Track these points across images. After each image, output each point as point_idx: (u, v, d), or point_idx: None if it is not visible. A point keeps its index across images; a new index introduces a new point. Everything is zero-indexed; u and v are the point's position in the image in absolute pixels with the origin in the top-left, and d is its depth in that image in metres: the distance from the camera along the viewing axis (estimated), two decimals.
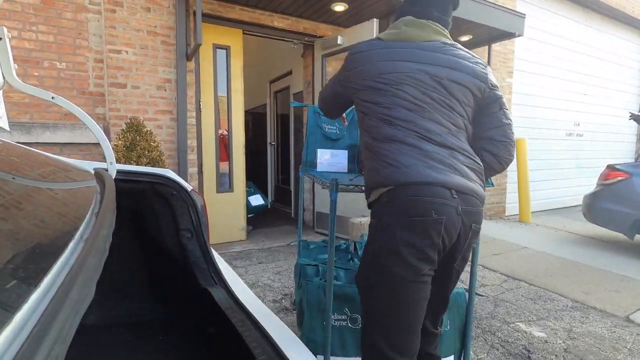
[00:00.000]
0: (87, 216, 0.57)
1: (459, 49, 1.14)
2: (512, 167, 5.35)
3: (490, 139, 1.12)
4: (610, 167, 4.06)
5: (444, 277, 1.13)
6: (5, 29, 0.95)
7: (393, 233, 0.99)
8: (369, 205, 1.13)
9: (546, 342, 2.07)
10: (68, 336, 0.27)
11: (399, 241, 0.99)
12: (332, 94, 1.31)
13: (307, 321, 1.57)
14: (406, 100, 1.05)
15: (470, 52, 1.17)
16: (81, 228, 0.50)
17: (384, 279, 1.02)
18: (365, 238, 2.13)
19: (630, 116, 4.17)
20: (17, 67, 1.00)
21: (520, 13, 4.48)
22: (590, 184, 5.30)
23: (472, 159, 1.07)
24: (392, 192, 1.01)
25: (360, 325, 1.52)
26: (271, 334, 0.76)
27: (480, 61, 1.15)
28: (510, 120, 1.16)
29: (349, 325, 1.54)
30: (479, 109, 1.15)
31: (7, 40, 0.97)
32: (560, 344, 2.06)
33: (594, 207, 4.09)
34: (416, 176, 0.99)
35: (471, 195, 1.03)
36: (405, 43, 1.11)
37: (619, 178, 3.89)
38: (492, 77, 1.15)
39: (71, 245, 0.43)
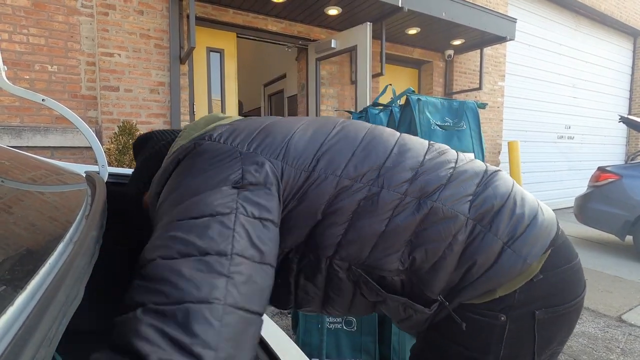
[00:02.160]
0: (77, 219, 0.56)
1: None
2: (505, 170, 5.39)
3: None
4: (601, 169, 4.11)
5: None
6: None
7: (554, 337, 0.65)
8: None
9: None
10: (55, 338, 0.26)
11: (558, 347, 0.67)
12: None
13: (302, 324, 1.56)
14: None
15: None
16: (70, 230, 0.49)
17: None
18: None
19: (620, 119, 4.24)
20: (6, 69, 0.99)
21: (512, 17, 4.54)
22: (581, 186, 5.37)
23: None
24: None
25: (354, 327, 1.52)
26: (266, 338, 0.75)
27: None
28: None
29: (344, 328, 1.53)
30: None
31: None
32: None
33: (586, 208, 4.14)
34: None
35: None
36: None
37: (610, 180, 3.95)
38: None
39: (60, 247, 0.42)
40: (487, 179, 0.67)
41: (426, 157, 0.67)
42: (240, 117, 0.74)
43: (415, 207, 0.61)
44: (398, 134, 0.72)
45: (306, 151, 0.62)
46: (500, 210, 0.62)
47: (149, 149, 0.78)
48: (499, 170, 0.72)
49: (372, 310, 0.73)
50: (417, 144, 0.70)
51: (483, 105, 1.89)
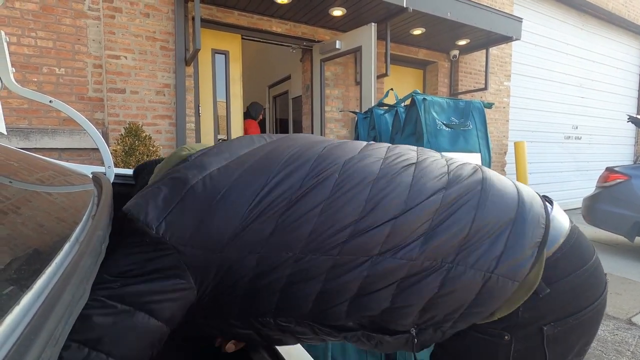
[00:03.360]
0: (84, 219, 0.56)
1: None
2: (512, 170, 5.36)
3: None
4: (610, 170, 4.06)
5: None
6: (3, 33, 0.95)
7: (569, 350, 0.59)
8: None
9: None
10: (61, 338, 0.26)
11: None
12: None
13: None
14: None
15: None
16: (77, 230, 0.49)
17: None
18: None
19: (628, 119, 4.18)
20: (14, 71, 1.00)
21: (517, 17, 4.51)
22: (589, 187, 5.31)
23: None
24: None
25: None
26: None
27: None
28: None
29: None
30: None
31: (5, 43, 0.96)
32: None
33: (594, 209, 4.09)
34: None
35: None
36: None
37: (618, 180, 3.90)
38: None
39: (66, 247, 0.42)
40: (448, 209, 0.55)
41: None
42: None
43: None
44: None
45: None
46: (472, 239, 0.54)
47: None
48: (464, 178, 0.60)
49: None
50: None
51: (489, 105, 1.87)
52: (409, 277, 0.53)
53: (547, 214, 0.59)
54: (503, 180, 0.62)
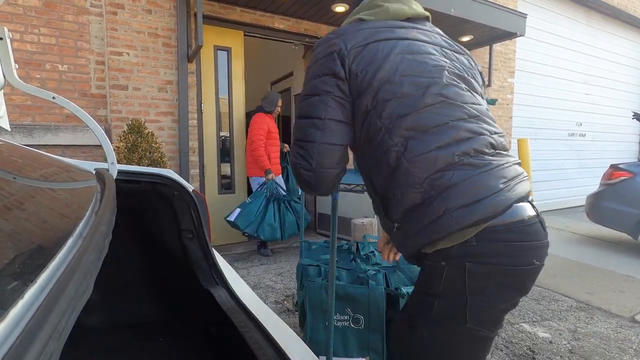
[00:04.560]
0: (87, 214, 0.56)
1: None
2: None
3: None
4: (614, 167, 4.04)
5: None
6: (5, 29, 0.95)
7: (485, 287, 0.78)
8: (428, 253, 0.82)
9: (551, 342, 2.06)
10: (64, 332, 0.26)
11: (497, 300, 0.80)
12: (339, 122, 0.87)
13: (309, 322, 1.56)
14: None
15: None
16: (80, 226, 0.49)
17: (456, 339, 0.82)
18: (370, 240, 2.12)
19: (633, 116, 4.15)
20: (17, 67, 1.00)
21: (521, 13, 4.47)
22: (593, 184, 5.28)
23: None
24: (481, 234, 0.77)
25: (362, 325, 1.51)
26: (273, 335, 0.75)
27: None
28: None
29: (352, 325, 1.53)
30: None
31: (8, 40, 0.97)
32: (565, 344, 2.04)
33: (598, 207, 4.07)
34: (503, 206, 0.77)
35: None
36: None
37: (623, 177, 3.87)
38: None
39: (69, 242, 0.42)
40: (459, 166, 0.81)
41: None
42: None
43: (396, 158, 0.82)
44: None
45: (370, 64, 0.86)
46: (455, 186, 0.76)
47: None
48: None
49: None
50: None
51: (493, 102, 1.86)
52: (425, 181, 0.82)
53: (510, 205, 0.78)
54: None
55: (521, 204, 0.79)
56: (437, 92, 0.81)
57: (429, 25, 0.97)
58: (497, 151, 0.83)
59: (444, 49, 0.91)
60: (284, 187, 3.74)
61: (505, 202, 0.75)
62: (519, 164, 0.87)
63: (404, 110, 0.80)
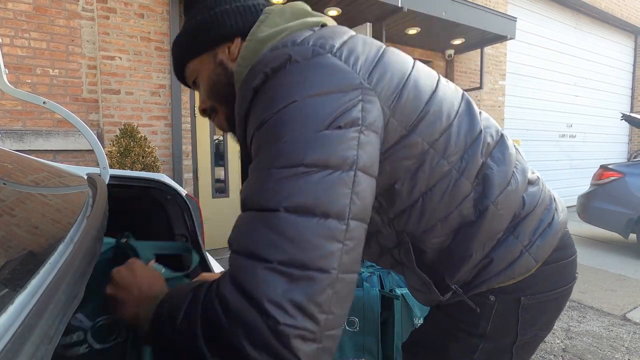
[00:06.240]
0: (78, 219, 0.56)
1: None
2: None
3: None
4: (604, 167, 4.10)
5: None
6: None
7: (537, 318, 0.67)
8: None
9: (544, 342, 2.07)
10: (55, 336, 0.26)
11: (544, 329, 0.70)
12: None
13: None
14: None
15: None
16: (71, 231, 0.49)
17: None
18: None
19: (622, 117, 4.22)
20: (7, 72, 0.99)
21: (512, 16, 4.54)
22: (584, 185, 5.35)
23: None
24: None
25: (357, 327, 1.51)
26: None
27: None
28: None
29: (347, 328, 1.53)
30: None
31: None
32: (558, 343, 2.06)
33: (589, 207, 4.12)
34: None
35: None
36: None
37: (612, 178, 3.93)
38: None
39: (60, 247, 0.42)
40: (528, 185, 0.67)
41: (495, 147, 0.64)
42: (334, 25, 0.64)
43: (475, 205, 0.60)
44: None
45: (412, 106, 0.55)
46: (527, 216, 0.64)
47: (204, 9, 0.66)
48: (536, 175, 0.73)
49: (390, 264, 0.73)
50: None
51: None
52: (494, 236, 0.63)
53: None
54: None
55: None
56: None
57: None
58: None
59: None
60: None
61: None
62: None
63: None
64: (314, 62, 0.50)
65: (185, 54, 0.69)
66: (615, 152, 7.87)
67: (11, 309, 0.28)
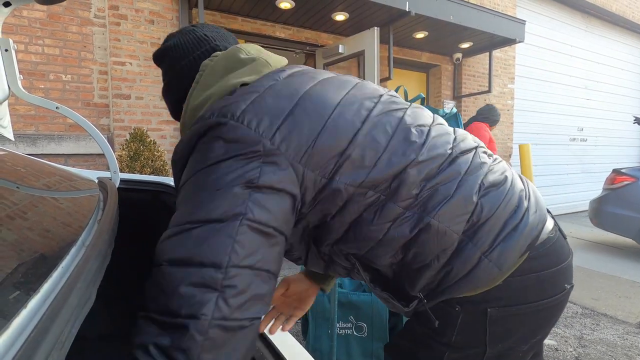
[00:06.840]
0: (89, 223, 0.57)
1: None
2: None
3: None
4: (616, 172, 4.02)
5: None
6: (11, 41, 0.96)
7: (509, 332, 0.65)
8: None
9: (557, 350, 2.03)
10: (67, 341, 0.26)
11: (521, 343, 0.67)
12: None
13: (312, 330, 1.54)
14: None
15: None
16: (83, 234, 0.49)
17: None
18: None
19: (634, 120, 4.15)
20: (22, 78, 1.01)
21: (520, 19, 4.50)
22: (596, 189, 5.26)
23: None
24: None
25: (365, 333, 1.50)
26: (275, 344, 0.75)
27: None
28: None
29: (355, 333, 1.51)
30: None
31: (13, 51, 0.98)
32: (571, 352, 2.02)
33: (601, 212, 4.05)
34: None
35: None
36: None
37: (625, 182, 3.86)
38: None
39: (72, 251, 0.42)
40: (485, 191, 0.62)
41: (439, 169, 0.61)
42: (265, 73, 0.64)
43: (413, 223, 0.59)
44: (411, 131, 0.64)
45: (329, 154, 0.56)
46: (487, 221, 0.60)
47: (176, 63, 0.75)
48: (502, 172, 0.66)
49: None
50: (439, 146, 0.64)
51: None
52: (446, 249, 0.61)
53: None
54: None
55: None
56: None
57: None
58: None
59: None
60: None
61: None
62: None
63: None
64: (215, 134, 0.53)
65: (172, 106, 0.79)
66: (627, 155, 7.73)
67: (24, 313, 0.28)
